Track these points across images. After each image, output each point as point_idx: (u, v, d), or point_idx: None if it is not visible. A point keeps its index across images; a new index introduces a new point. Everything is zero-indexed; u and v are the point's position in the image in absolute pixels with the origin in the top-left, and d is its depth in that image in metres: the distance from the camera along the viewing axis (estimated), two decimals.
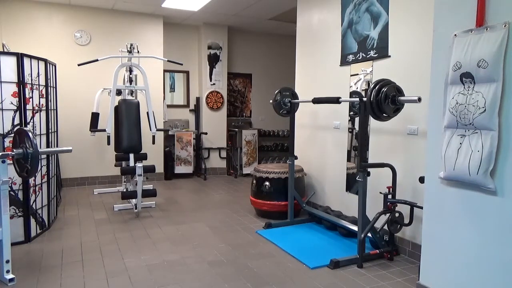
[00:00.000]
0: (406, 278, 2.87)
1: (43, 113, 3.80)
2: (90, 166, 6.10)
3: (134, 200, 4.51)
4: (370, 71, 3.69)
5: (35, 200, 3.65)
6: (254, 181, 4.41)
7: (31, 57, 3.58)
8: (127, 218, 4.39)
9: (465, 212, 2.18)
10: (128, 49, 4.99)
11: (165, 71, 6.77)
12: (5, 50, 3.94)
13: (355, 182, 3.80)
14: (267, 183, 4.28)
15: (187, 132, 6.89)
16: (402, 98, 2.93)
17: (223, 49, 7.15)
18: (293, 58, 5.03)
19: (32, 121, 3.58)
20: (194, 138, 6.97)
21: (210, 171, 7.16)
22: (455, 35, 2.17)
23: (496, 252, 2.02)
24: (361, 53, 3.78)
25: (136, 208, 4.44)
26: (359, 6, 3.78)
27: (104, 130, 4.71)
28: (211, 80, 7.12)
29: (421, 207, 2.60)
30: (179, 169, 6.79)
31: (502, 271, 1.99)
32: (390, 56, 3.46)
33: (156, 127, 4.96)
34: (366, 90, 3.68)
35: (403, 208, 3.15)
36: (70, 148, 3.15)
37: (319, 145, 4.51)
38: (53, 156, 4.14)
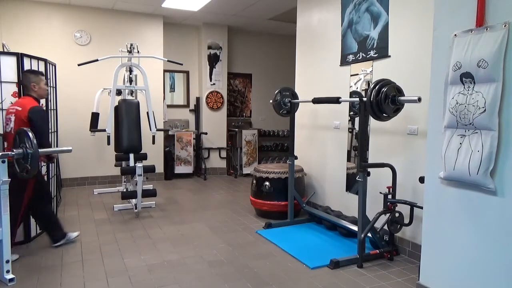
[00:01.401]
0: (406, 278, 2.87)
1: None
2: (90, 166, 6.10)
3: (134, 200, 4.51)
4: (370, 71, 3.69)
5: None
6: (254, 181, 4.41)
7: (31, 57, 3.58)
8: (127, 218, 4.39)
9: (465, 212, 2.18)
10: (128, 49, 4.99)
11: (165, 71, 6.77)
12: (5, 50, 3.93)
13: (355, 182, 3.80)
14: (267, 183, 4.27)
15: (187, 132, 6.89)
16: (402, 98, 2.93)
17: (223, 49, 7.16)
18: (293, 58, 5.03)
19: None
20: (194, 138, 6.97)
21: (210, 171, 7.16)
22: (455, 35, 2.17)
23: (496, 252, 2.02)
24: (361, 53, 3.78)
25: (136, 208, 4.44)
26: (359, 6, 3.78)
27: (104, 130, 4.71)
28: (211, 80, 7.12)
29: (421, 207, 2.60)
30: (179, 169, 6.79)
31: (502, 271, 1.99)
32: (390, 56, 3.46)
33: (156, 127, 4.96)
34: (366, 90, 3.68)
35: (403, 208, 3.15)
36: (70, 148, 3.16)
37: (319, 145, 4.51)
38: None
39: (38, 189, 3.30)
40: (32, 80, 3.24)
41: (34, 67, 3.61)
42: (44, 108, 3.17)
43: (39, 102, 3.27)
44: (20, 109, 3.11)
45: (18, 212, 3.16)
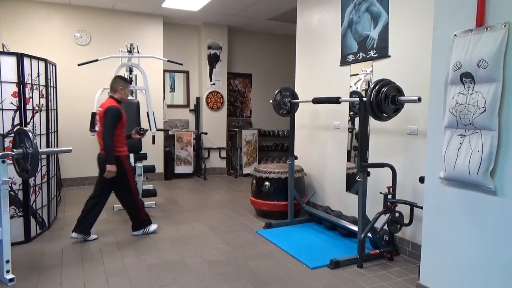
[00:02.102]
0: (406, 278, 2.87)
1: (43, 113, 3.80)
2: (90, 166, 6.06)
3: None
4: (370, 71, 3.69)
5: (35, 200, 3.65)
6: (254, 181, 4.41)
7: (31, 57, 3.58)
8: (127, 218, 4.37)
9: (465, 212, 2.18)
10: (128, 49, 4.99)
11: (165, 71, 6.77)
12: (5, 50, 3.93)
13: (355, 182, 3.80)
14: (267, 183, 4.27)
15: (187, 132, 6.89)
16: (402, 98, 2.93)
17: (223, 49, 7.15)
18: (293, 58, 5.03)
19: (32, 121, 3.58)
20: (194, 138, 6.97)
21: (210, 171, 7.16)
22: (455, 35, 2.17)
23: (496, 252, 2.02)
24: (361, 53, 3.78)
25: None
26: (359, 6, 3.78)
27: None
28: (211, 80, 7.12)
29: (421, 207, 2.60)
30: (179, 169, 6.79)
31: (502, 271, 1.99)
32: (390, 56, 3.45)
33: (156, 127, 4.96)
34: (366, 90, 3.68)
35: (403, 208, 3.15)
36: (70, 148, 3.15)
37: (319, 145, 4.51)
38: (53, 156, 4.14)
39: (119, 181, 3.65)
40: (120, 84, 3.65)
41: (34, 67, 3.61)
42: (119, 109, 3.53)
43: (120, 103, 3.62)
44: (101, 109, 3.55)
45: (133, 197, 3.76)
